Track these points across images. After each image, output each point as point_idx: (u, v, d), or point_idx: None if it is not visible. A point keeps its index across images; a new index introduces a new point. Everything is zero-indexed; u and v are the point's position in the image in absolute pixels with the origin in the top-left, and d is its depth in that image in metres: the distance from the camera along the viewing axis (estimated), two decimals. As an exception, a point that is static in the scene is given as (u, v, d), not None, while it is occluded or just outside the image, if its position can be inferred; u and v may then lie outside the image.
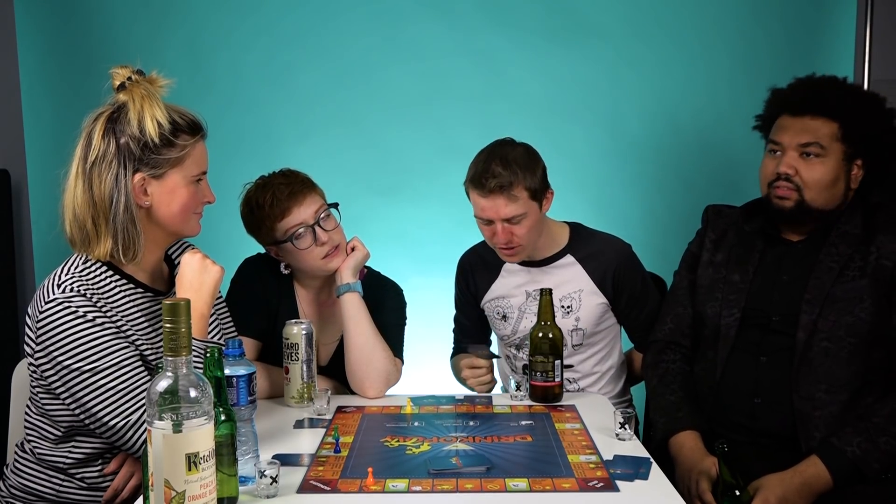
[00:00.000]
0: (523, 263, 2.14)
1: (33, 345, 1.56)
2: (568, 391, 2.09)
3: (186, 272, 1.64)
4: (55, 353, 1.52)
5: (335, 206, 1.98)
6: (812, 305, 1.77)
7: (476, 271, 2.21)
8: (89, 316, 1.52)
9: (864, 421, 1.69)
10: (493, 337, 2.30)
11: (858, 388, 1.74)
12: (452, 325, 2.34)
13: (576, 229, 2.16)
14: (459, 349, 2.29)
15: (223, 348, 1.52)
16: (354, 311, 1.93)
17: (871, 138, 1.80)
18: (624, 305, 2.12)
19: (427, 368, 2.35)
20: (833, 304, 1.75)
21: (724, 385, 1.85)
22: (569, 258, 2.11)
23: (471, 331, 2.27)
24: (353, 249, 1.99)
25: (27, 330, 1.59)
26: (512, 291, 2.15)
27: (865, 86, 2.70)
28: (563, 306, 2.09)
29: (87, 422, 1.56)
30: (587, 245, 2.12)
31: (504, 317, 2.17)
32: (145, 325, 1.63)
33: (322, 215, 1.94)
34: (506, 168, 1.95)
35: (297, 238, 1.92)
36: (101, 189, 1.56)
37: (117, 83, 1.57)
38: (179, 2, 2.71)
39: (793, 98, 1.84)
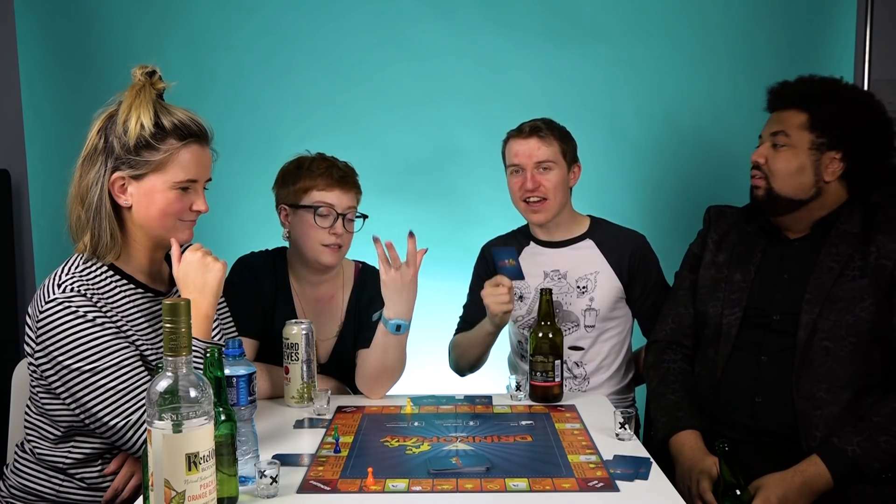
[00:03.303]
0: (543, 244, 2.23)
1: (33, 344, 1.56)
2: (575, 376, 2.15)
3: (189, 272, 1.63)
4: (55, 353, 1.52)
5: (364, 216, 2.02)
6: (812, 305, 1.77)
7: None
8: (89, 316, 1.52)
9: (864, 420, 1.70)
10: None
11: (859, 388, 1.74)
12: (457, 319, 2.34)
13: (596, 220, 2.28)
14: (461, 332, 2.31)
15: (223, 348, 1.52)
16: (384, 343, 1.87)
17: (843, 128, 1.81)
18: (638, 294, 2.18)
19: (427, 368, 2.35)
20: (834, 304, 1.76)
21: (724, 384, 1.86)
22: (588, 242, 2.22)
23: (479, 316, 2.29)
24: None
25: (27, 330, 1.59)
26: (530, 271, 2.20)
27: (865, 86, 2.70)
28: (578, 286, 2.17)
29: (87, 422, 1.56)
30: (606, 232, 2.24)
31: (521, 297, 2.22)
32: (145, 325, 1.63)
33: (350, 214, 1.99)
34: (545, 123, 2.17)
35: (320, 212, 1.94)
36: (84, 182, 1.58)
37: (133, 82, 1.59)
38: (180, 2, 2.71)
39: (773, 95, 1.92)
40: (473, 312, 2.29)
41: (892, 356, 1.75)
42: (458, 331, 2.34)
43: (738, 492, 1.55)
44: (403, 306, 1.85)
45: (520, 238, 2.29)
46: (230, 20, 2.71)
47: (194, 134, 1.60)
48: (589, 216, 2.29)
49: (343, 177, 1.98)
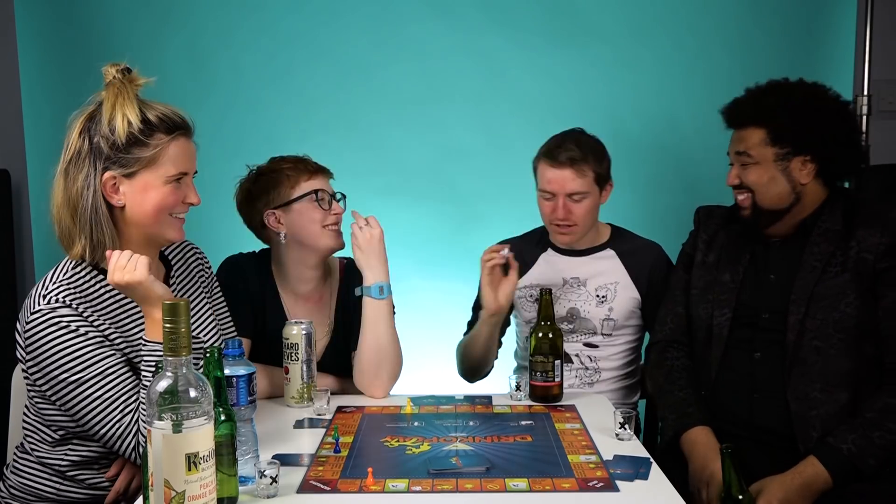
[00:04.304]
0: (564, 252, 2.23)
1: (24, 353, 1.56)
2: (587, 368, 2.17)
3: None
4: (43, 364, 1.52)
5: (344, 196, 2.05)
6: (798, 305, 1.78)
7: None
8: (73, 326, 1.51)
9: (857, 417, 1.70)
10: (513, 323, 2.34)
11: (854, 385, 1.74)
12: (465, 324, 2.34)
13: (617, 229, 2.28)
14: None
15: (223, 348, 1.51)
16: (374, 315, 1.91)
17: (803, 134, 1.81)
18: (654, 305, 2.16)
19: (427, 369, 2.35)
20: (819, 303, 1.77)
21: (720, 383, 1.87)
22: (609, 252, 2.22)
23: None
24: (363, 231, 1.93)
25: (17, 337, 1.58)
26: (552, 276, 2.21)
27: (865, 86, 2.70)
28: (598, 295, 2.18)
29: (82, 428, 1.57)
30: (627, 243, 2.23)
31: (537, 300, 2.19)
32: (132, 326, 1.61)
33: (337, 195, 2.03)
34: (579, 147, 2.09)
35: (319, 196, 1.97)
36: (73, 187, 1.55)
37: (105, 81, 1.57)
38: (180, 2, 2.71)
39: (728, 114, 1.92)
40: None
41: (881, 350, 1.76)
42: (467, 332, 2.33)
43: (741, 497, 1.55)
44: (379, 266, 1.91)
45: (534, 244, 2.27)
46: (230, 21, 2.71)
47: (180, 127, 1.59)
48: (609, 225, 2.28)
49: (318, 167, 2.03)
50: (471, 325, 2.32)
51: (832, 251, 1.79)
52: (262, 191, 2.00)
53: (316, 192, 1.98)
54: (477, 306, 2.31)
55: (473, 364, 2.24)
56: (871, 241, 1.76)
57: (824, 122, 1.81)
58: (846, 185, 2.04)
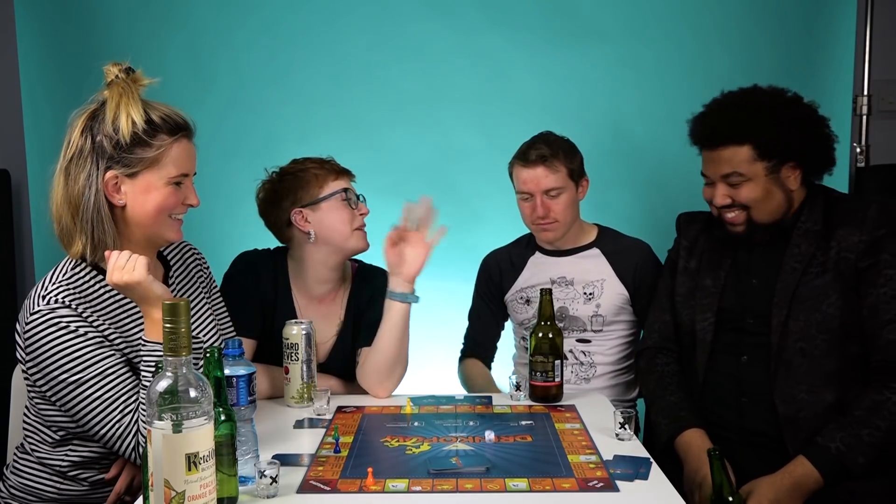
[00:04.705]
0: (550, 253, 2.25)
1: (24, 354, 1.56)
2: (581, 363, 2.19)
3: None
4: (43, 365, 1.52)
5: (365, 198, 2.09)
6: (780, 308, 1.78)
7: (503, 268, 2.32)
8: (72, 327, 1.52)
9: (846, 416, 1.70)
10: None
11: (841, 386, 1.74)
12: (462, 333, 2.36)
13: (603, 229, 2.31)
14: (469, 349, 2.33)
15: (223, 348, 1.51)
16: (398, 321, 1.91)
17: (787, 144, 1.78)
18: (645, 302, 2.18)
19: (428, 369, 2.35)
20: (801, 304, 1.77)
21: (708, 388, 1.87)
22: (595, 251, 2.25)
23: (485, 326, 2.34)
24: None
25: (17, 338, 1.58)
26: (540, 277, 2.24)
27: (865, 86, 2.70)
28: (585, 293, 2.20)
29: (82, 429, 1.57)
30: (613, 242, 2.26)
31: (527, 301, 2.25)
32: (132, 326, 1.61)
33: (361, 197, 2.06)
34: (548, 145, 2.16)
35: (348, 195, 2.00)
36: (75, 186, 1.55)
37: (107, 80, 1.56)
38: (180, 2, 2.70)
39: (702, 134, 1.87)
40: (477, 324, 2.32)
41: (867, 348, 1.75)
42: (464, 352, 2.35)
43: (731, 498, 1.55)
44: (414, 269, 1.93)
45: (522, 248, 2.31)
46: (230, 20, 2.71)
47: (182, 128, 1.60)
48: (596, 225, 2.30)
49: (342, 167, 2.05)
50: (467, 341, 2.36)
51: (812, 252, 1.79)
52: (289, 190, 2.00)
53: (345, 190, 2.00)
54: (469, 338, 2.35)
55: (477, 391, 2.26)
56: (850, 240, 1.76)
57: (800, 125, 1.80)
58: (847, 185, 2.03)
